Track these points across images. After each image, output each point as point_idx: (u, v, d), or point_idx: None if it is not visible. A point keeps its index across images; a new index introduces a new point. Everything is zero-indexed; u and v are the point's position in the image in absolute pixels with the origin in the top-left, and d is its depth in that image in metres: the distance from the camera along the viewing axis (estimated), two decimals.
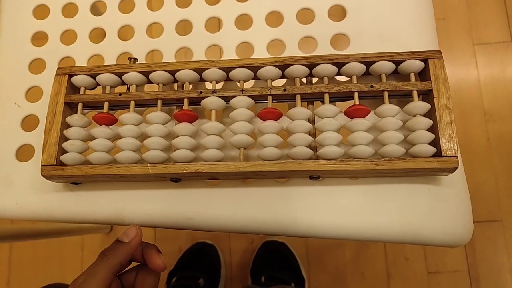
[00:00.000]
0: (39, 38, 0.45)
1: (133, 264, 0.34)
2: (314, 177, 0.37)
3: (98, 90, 0.41)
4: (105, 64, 0.44)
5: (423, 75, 0.38)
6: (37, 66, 0.44)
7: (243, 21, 0.44)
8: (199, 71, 0.38)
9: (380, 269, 0.92)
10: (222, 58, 0.43)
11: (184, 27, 0.45)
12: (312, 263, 0.93)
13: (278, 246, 0.90)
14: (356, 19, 0.42)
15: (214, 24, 0.45)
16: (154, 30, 0.45)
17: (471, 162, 0.94)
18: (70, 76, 0.39)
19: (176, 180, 0.37)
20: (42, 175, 0.36)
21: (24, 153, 0.41)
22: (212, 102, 0.37)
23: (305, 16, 0.43)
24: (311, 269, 0.93)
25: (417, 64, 0.37)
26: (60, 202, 0.39)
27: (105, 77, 0.39)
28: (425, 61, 0.37)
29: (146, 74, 0.39)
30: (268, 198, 0.38)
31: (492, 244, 0.94)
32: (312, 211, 0.37)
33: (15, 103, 0.43)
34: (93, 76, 0.39)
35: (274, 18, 0.44)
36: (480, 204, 0.94)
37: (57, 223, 0.80)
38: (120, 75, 0.39)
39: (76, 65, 0.44)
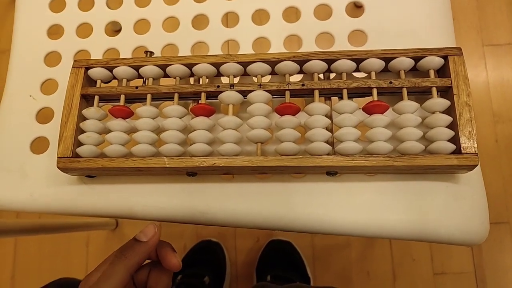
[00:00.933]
0: (55, 31, 0.45)
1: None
2: (332, 173, 0.36)
3: (114, 83, 0.40)
4: (120, 57, 0.44)
5: (442, 72, 0.37)
6: (52, 59, 0.44)
7: (260, 16, 0.44)
8: (217, 65, 0.38)
9: (386, 270, 0.92)
10: (239, 53, 0.42)
11: (200, 21, 0.44)
12: (318, 263, 0.93)
13: (284, 245, 0.90)
14: (374, 16, 0.42)
15: (230, 19, 0.44)
16: (170, 24, 0.45)
17: (479, 163, 0.93)
18: (87, 68, 0.39)
19: (192, 174, 0.37)
20: (58, 167, 0.36)
21: (38, 145, 0.41)
22: (229, 96, 0.37)
23: (323, 12, 0.43)
24: (317, 269, 0.92)
25: (437, 61, 0.37)
26: (74, 195, 0.39)
27: (122, 70, 0.39)
28: (445, 57, 0.37)
29: (163, 67, 0.39)
30: (284, 194, 0.37)
31: (498, 245, 0.93)
32: (329, 207, 0.37)
33: (30, 96, 0.43)
34: (110, 69, 0.39)
35: (291, 14, 0.44)
36: None
37: (63, 217, 0.80)
38: (136, 68, 0.39)
39: (91, 58, 0.44)
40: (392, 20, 0.42)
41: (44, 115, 0.42)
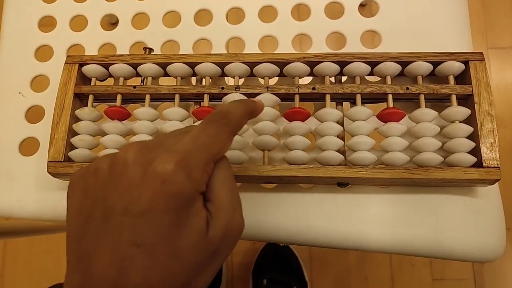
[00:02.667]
0: (47, 23, 0.42)
1: None
2: (343, 184, 0.34)
3: (109, 81, 0.38)
4: (117, 53, 0.41)
5: (461, 78, 0.35)
6: (44, 53, 0.41)
7: (267, 13, 0.41)
8: (221, 65, 0.35)
9: (385, 275, 0.90)
10: (244, 52, 0.40)
11: (203, 17, 0.42)
12: (315, 267, 0.91)
13: (281, 248, 0.88)
14: (389, 16, 0.39)
15: (235, 15, 0.42)
16: (170, 19, 0.42)
17: None
18: (81, 65, 0.36)
19: None
20: (48, 172, 0.33)
21: (28, 146, 0.38)
22: (234, 99, 0.34)
23: (334, 10, 0.41)
24: (314, 273, 0.90)
25: (457, 66, 0.34)
26: (65, 201, 0.36)
27: (119, 68, 0.36)
28: (465, 63, 0.34)
29: (163, 66, 0.36)
30: (292, 205, 0.35)
31: None
32: (339, 220, 0.34)
33: (20, 93, 0.40)
34: (106, 66, 0.36)
35: (301, 11, 0.41)
36: None
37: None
38: (134, 66, 0.36)
39: (86, 54, 0.41)
40: (407, 21, 0.39)
41: (34, 114, 0.39)
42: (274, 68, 0.35)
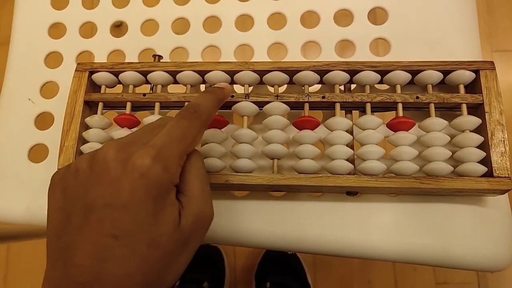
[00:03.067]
0: (57, 30, 0.42)
1: None
2: (352, 193, 0.34)
3: (119, 88, 0.38)
4: (126, 60, 0.41)
5: (471, 87, 0.35)
6: (53, 59, 0.41)
7: (276, 21, 0.41)
8: (231, 73, 0.35)
9: (388, 278, 0.90)
10: (253, 60, 0.40)
11: (212, 24, 0.42)
12: (319, 270, 0.91)
13: (284, 251, 0.88)
14: (399, 23, 0.39)
15: (244, 22, 0.42)
16: (179, 26, 0.42)
17: None
18: (91, 72, 0.36)
19: None
20: None
21: (37, 153, 0.38)
22: (244, 107, 0.34)
23: (343, 17, 0.41)
24: (317, 276, 0.90)
25: (467, 75, 0.34)
26: None
27: (128, 75, 0.36)
28: (476, 71, 0.34)
29: (172, 73, 0.36)
30: (300, 213, 0.35)
31: None
32: (348, 229, 0.34)
33: (29, 99, 0.40)
34: (115, 74, 0.36)
35: (310, 19, 0.41)
36: None
37: None
38: (144, 73, 0.36)
39: (95, 60, 0.41)
40: (416, 28, 0.39)
41: (43, 120, 0.39)
42: (284, 76, 0.35)
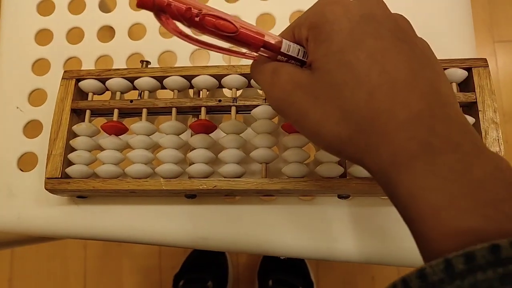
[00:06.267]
0: (44, 37, 0.42)
1: None
2: (343, 196, 0.33)
3: (107, 95, 0.37)
4: (114, 65, 0.40)
5: (464, 85, 0.34)
6: (41, 66, 0.41)
7: (264, 22, 0.40)
8: (218, 77, 0.35)
9: (391, 274, 0.90)
10: (241, 63, 0.39)
11: None
12: (321, 267, 0.91)
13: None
14: None
15: None
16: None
17: None
18: (78, 80, 0.36)
19: (191, 196, 0.34)
20: (46, 189, 0.33)
21: (26, 161, 0.38)
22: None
23: None
24: (320, 273, 0.90)
25: (460, 73, 0.33)
26: (65, 217, 0.36)
27: (115, 82, 0.35)
28: (468, 69, 0.33)
29: (159, 79, 0.35)
30: (292, 218, 0.34)
31: None
32: (342, 233, 0.34)
33: (17, 107, 0.40)
34: (102, 81, 0.36)
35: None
36: None
37: None
38: (131, 80, 0.36)
39: (83, 66, 0.41)
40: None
41: (32, 129, 0.39)
42: None
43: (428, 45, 0.23)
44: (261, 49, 0.22)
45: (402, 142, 0.18)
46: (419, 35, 0.39)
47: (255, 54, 0.23)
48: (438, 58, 0.33)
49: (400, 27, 0.22)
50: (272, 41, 0.22)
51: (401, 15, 0.23)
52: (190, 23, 0.20)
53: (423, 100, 0.19)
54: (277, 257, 0.87)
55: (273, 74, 0.22)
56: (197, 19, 0.20)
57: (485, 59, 0.34)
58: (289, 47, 0.22)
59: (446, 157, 0.18)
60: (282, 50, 0.22)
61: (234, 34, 0.21)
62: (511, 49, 0.99)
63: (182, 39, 0.22)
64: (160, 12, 0.20)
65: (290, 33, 0.23)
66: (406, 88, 0.19)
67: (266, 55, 0.23)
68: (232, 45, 0.22)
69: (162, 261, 0.94)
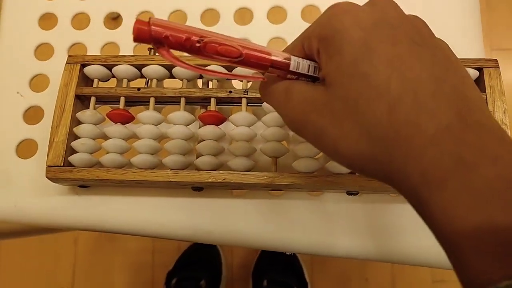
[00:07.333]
0: (48, 21, 0.40)
1: None
2: (353, 192, 0.33)
3: (112, 82, 0.36)
4: (120, 53, 0.39)
5: None
6: (44, 51, 0.39)
7: (277, 14, 0.40)
8: (229, 68, 0.34)
9: (385, 276, 0.90)
10: None
11: (210, 16, 0.40)
12: (316, 268, 0.90)
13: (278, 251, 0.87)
14: None
15: (244, 15, 0.40)
16: (176, 18, 0.40)
17: None
18: (83, 65, 0.35)
19: (198, 189, 0.33)
20: (47, 177, 0.32)
21: (25, 148, 0.37)
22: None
23: None
24: (315, 274, 0.90)
25: (471, 73, 0.33)
26: (64, 207, 0.35)
27: (122, 69, 0.34)
28: (479, 70, 0.33)
29: (168, 67, 0.35)
30: (301, 213, 0.34)
31: None
32: (350, 229, 0.33)
33: (18, 92, 0.38)
34: (109, 67, 0.35)
35: (310, 12, 0.40)
36: None
37: None
38: (139, 67, 0.35)
39: (88, 53, 0.39)
40: None
41: (32, 115, 0.38)
42: None
43: (448, 46, 0.22)
44: (269, 68, 0.21)
45: (432, 159, 0.17)
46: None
47: (262, 75, 0.22)
48: None
49: (418, 30, 0.20)
50: (280, 59, 0.21)
51: (416, 16, 0.21)
52: (191, 52, 0.20)
53: (451, 109, 0.17)
54: (272, 257, 0.87)
55: (285, 95, 0.21)
56: (198, 45, 0.19)
57: (496, 60, 0.34)
58: (298, 65, 0.21)
59: (482, 172, 0.16)
60: (291, 68, 0.21)
61: (239, 59, 0.20)
62: (508, 57, 1.00)
63: (186, 68, 0.21)
64: (159, 44, 0.19)
65: (300, 46, 0.22)
66: (430, 97, 0.18)
67: (275, 74, 0.21)
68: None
69: (155, 258, 0.92)
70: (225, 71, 0.19)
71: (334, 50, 0.19)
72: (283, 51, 0.22)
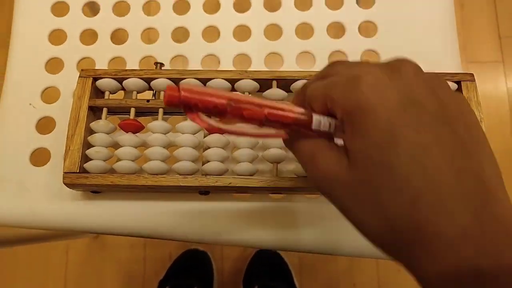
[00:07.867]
0: (57, 37, 0.43)
1: None
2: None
3: (120, 94, 0.39)
4: (127, 66, 0.42)
5: None
6: (54, 65, 0.42)
7: (272, 32, 0.43)
8: (232, 82, 0.37)
9: (372, 281, 0.93)
10: (250, 68, 0.42)
11: (210, 33, 0.43)
12: (305, 273, 0.93)
13: (271, 255, 0.89)
14: (387, 36, 0.42)
15: (242, 33, 0.44)
16: (179, 34, 0.43)
17: None
18: (95, 79, 0.37)
19: (205, 192, 0.36)
20: (64, 183, 0.34)
21: (39, 157, 0.39)
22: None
23: (336, 30, 0.43)
24: (304, 280, 0.92)
25: (450, 86, 0.37)
26: (78, 211, 0.37)
27: (132, 82, 0.37)
28: (458, 83, 0.37)
29: (175, 81, 0.37)
30: (303, 215, 0.37)
31: None
32: (348, 229, 0.36)
33: (30, 104, 0.40)
34: (119, 80, 0.37)
35: (305, 30, 0.43)
36: None
37: None
38: (147, 80, 0.37)
39: (96, 67, 0.42)
40: (403, 41, 0.42)
41: (44, 125, 0.40)
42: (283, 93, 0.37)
43: (471, 110, 0.22)
44: (292, 125, 0.22)
45: (449, 264, 0.17)
46: (412, 51, 0.43)
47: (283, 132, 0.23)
48: (429, 71, 0.37)
49: (443, 104, 0.20)
50: (303, 118, 0.22)
51: (440, 78, 0.22)
52: (219, 117, 0.21)
53: (468, 210, 0.18)
54: (262, 263, 0.88)
55: (310, 159, 0.22)
56: (224, 111, 0.20)
57: (472, 74, 0.38)
58: (320, 124, 0.22)
59: (499, 282, 0.16)
60: (313, 127, 0.22)
61: (263, 120, 0.21)
62: (482, 70, 1.07)
63: (215, 132, 0.23)
64: (189, 109, 0.20)
65: (321, 100, 0.21)
66: (450, 196, 0.18)
67: (297, 130, 0.22)
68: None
69: (147, 267, 0.93)
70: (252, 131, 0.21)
71: (359, 129, 0.20)
72: (300, 94, 0.23)
